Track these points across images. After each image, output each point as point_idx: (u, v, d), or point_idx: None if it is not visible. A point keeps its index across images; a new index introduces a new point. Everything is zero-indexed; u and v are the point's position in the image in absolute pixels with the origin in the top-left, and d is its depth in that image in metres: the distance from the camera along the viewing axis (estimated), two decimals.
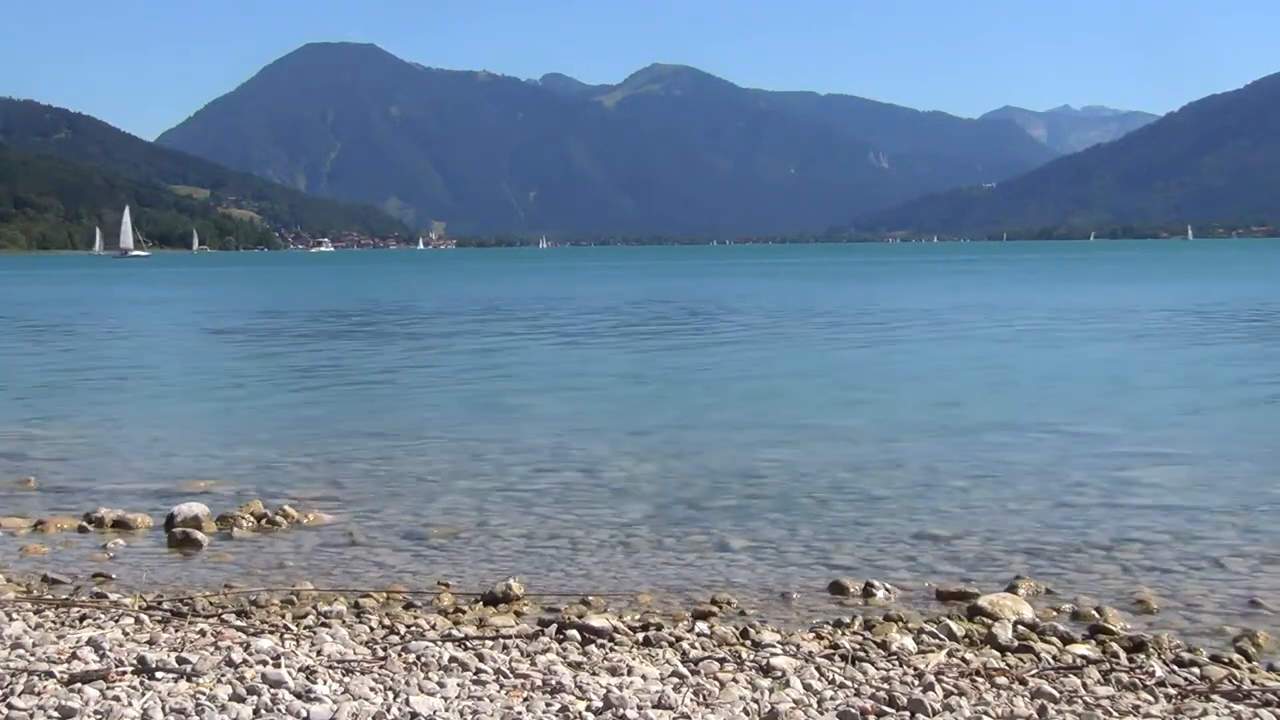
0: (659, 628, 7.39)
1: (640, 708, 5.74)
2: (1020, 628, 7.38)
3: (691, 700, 5.91)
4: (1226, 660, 6.83)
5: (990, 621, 7.47)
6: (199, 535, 10.16)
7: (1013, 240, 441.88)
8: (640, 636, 7.17)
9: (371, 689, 5.98)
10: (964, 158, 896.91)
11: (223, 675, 6.12)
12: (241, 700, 5.77)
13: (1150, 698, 6.11)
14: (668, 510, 11.05)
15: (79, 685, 5.95)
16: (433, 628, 7.40)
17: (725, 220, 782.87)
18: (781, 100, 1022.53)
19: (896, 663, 6.67)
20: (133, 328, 42.52)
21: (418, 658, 6.58)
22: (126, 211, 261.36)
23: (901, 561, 9.26)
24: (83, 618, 7.63)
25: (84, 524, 10.66)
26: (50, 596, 8.29)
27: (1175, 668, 6.64)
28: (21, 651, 6.65)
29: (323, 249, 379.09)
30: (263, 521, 10.69)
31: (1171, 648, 7.06)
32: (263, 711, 5.64)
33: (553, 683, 6.12)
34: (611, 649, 6.91)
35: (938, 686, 6.16)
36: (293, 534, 10.41)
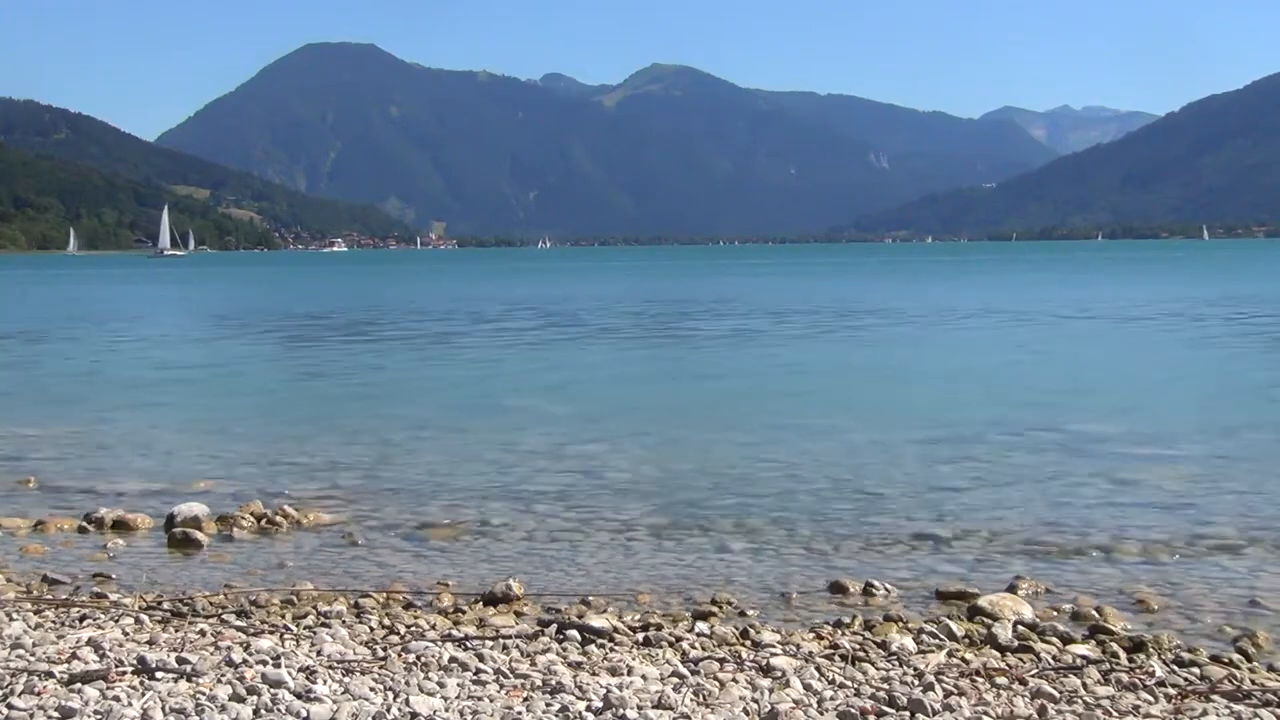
0: (659, 628, 7.38)
1: (640, 708, 5.74)
2: (1020, 628, 7.38)
3: (691, 700, 5.90)
4: (1226, 660, 6.83)
5: (990, 621, 7.47)
6: (199, 535, 10.16)
7: (1018, 241, 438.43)
8: (640, 636, 7.17)
9: (371, 689, 5.98)
10: (964, 158, 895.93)
11: (223, 675, 6.12)
12: (241, 700, 5.77)
13: (1150, 698, 6.11)
14: (668, 510, 11.05)
15: (79, 685, 5.95)
16: (433, 628, 7.40)
17: (725, 220, 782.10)
18: (781, 100, 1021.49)
19: (896, 663, 6.67)
20: (135, 326, 42.50)
21: (418, 658, 6.58)
22: (165, 211, 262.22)
23: (901, 561, 9.26)
24: (83, 618, 7.62)
25: (84, 524, 10.66)
26: (50, 596, 8.29)
27: (1175, 668, 6.64)
28: (21, 651, 6.65)
29: (336, 249, 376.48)
30: (263, 521, 10.69)
31: (1171, 648, 7.05)
32: (263, 711, 5.64)
33: (553, 683, 6.12)
34: (611, 649, 6.91)
35: (938, 686, 6.16)
36: (292, 534, 10.41)
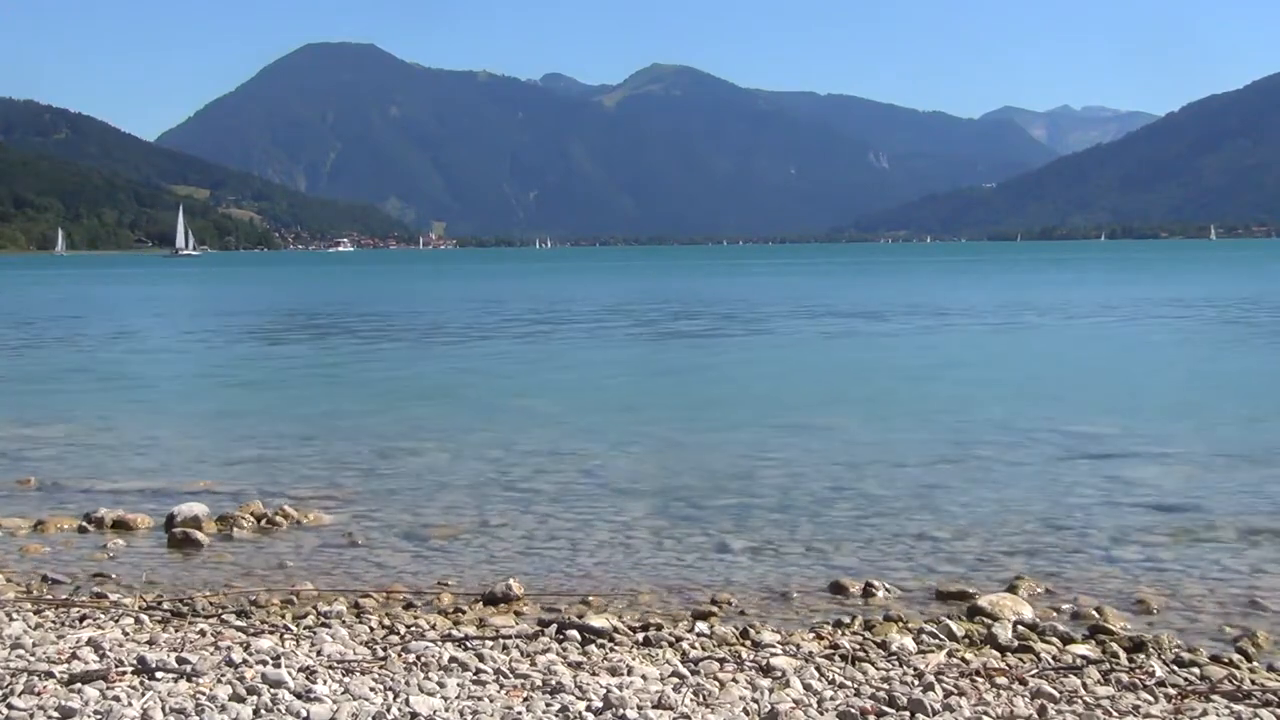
0: (659, 628, 7.38)
1: (640, 708, 5.74)
2: (1020, 628, 7.38)
3: (691, 700, 5.90)
4: (1226, 660, 6.83)
5: (990, 621, 7.47)
6: (199, 535, 10.15)
7: (1022, 241, 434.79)
8: (640, 636, 7.17)
9: (371, 689, 5.98)
10: (964, 158, 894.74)
11: (223, 675, 6.12)
12: (241, 700, 5.76)
13: (1150, 698, 6.10)
14: (668, 510, 11.05)
15: (79, 685, 5.95)
16: (433, 628, 7.40)
17: (725, 220, 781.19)
18: (781, 100, 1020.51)
19: (896, 663, 6.67)
20: (136, 327, 42.50)
21: (418, 658, 6.58)
22: (180, 211, 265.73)
23: (901, 561, 9.26)
24: (83, 618, 7.62)
25: (84, 524, 10.65)
26: (50, 596, 8.29)
27: (1175, 668, 6.64)
28: (21, 651, 6.64)
29: (341, 249, 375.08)
30: (263, 521, 10.69)
31: (1171, 648, 7.05)
32: (263, 711, 5.63)
33: (553, 683, 6.12)
34: (611, 649, 6.91)
35: (938, 686, 6.16)
36: (292, 534, 10.40)
